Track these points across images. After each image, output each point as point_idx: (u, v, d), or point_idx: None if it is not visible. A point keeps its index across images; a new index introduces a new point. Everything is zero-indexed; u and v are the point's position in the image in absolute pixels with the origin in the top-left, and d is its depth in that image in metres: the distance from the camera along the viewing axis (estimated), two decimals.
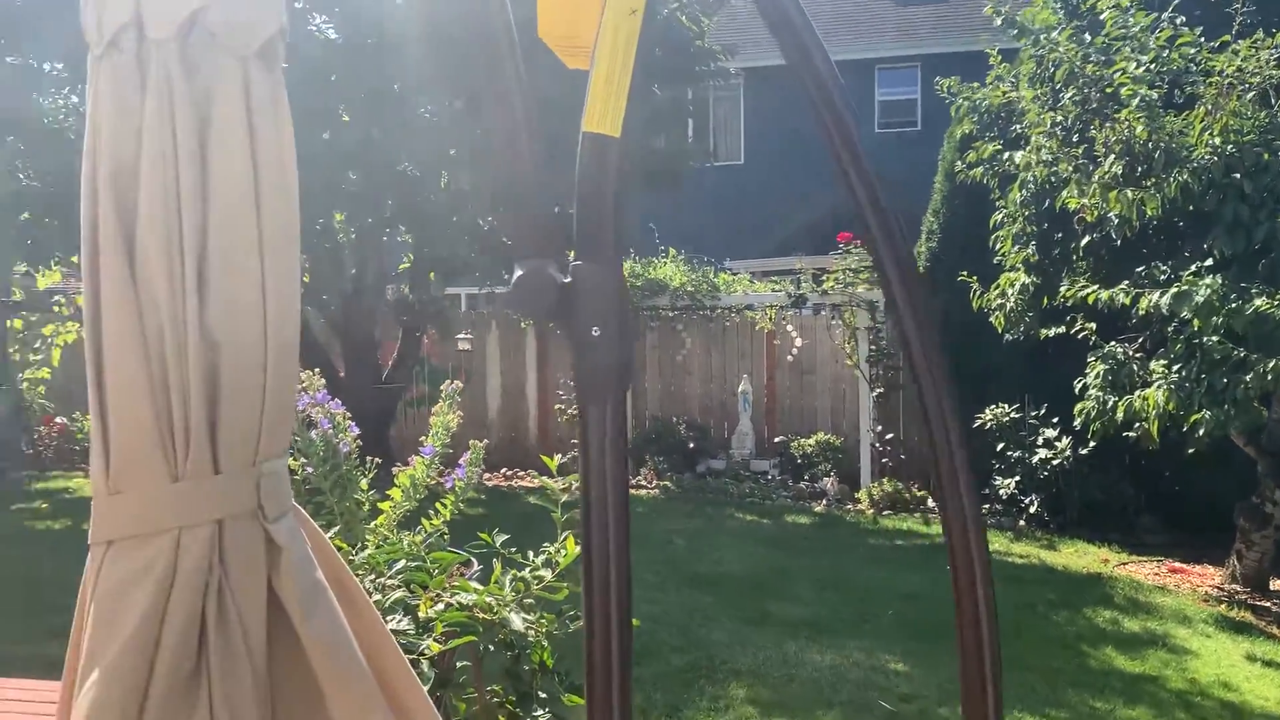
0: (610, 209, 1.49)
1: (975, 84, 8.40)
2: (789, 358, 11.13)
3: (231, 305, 1.53)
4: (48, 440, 12.12)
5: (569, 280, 1.52)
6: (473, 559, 3.17)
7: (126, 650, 1.42)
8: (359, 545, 2.95)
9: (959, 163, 8.63)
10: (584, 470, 1.50)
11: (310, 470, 3.36)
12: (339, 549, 2.32)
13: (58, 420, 12.38)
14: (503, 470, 11.45)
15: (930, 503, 9.85)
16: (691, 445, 11.11)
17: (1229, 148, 6.14)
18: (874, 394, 10.36)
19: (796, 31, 1.44)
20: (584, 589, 1.56)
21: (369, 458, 3.66)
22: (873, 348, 10.42)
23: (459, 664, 2.61)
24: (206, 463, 1.48)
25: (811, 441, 10.73)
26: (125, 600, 1.44)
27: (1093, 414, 6.75)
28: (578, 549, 2.76)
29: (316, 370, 3.56)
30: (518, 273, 1.52)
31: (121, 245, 1.44)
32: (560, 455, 3.41)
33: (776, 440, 11.13)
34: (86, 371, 1.50)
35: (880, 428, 10.38)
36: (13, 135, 9.81)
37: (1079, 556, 8.23)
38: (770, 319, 11.10)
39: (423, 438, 3.74)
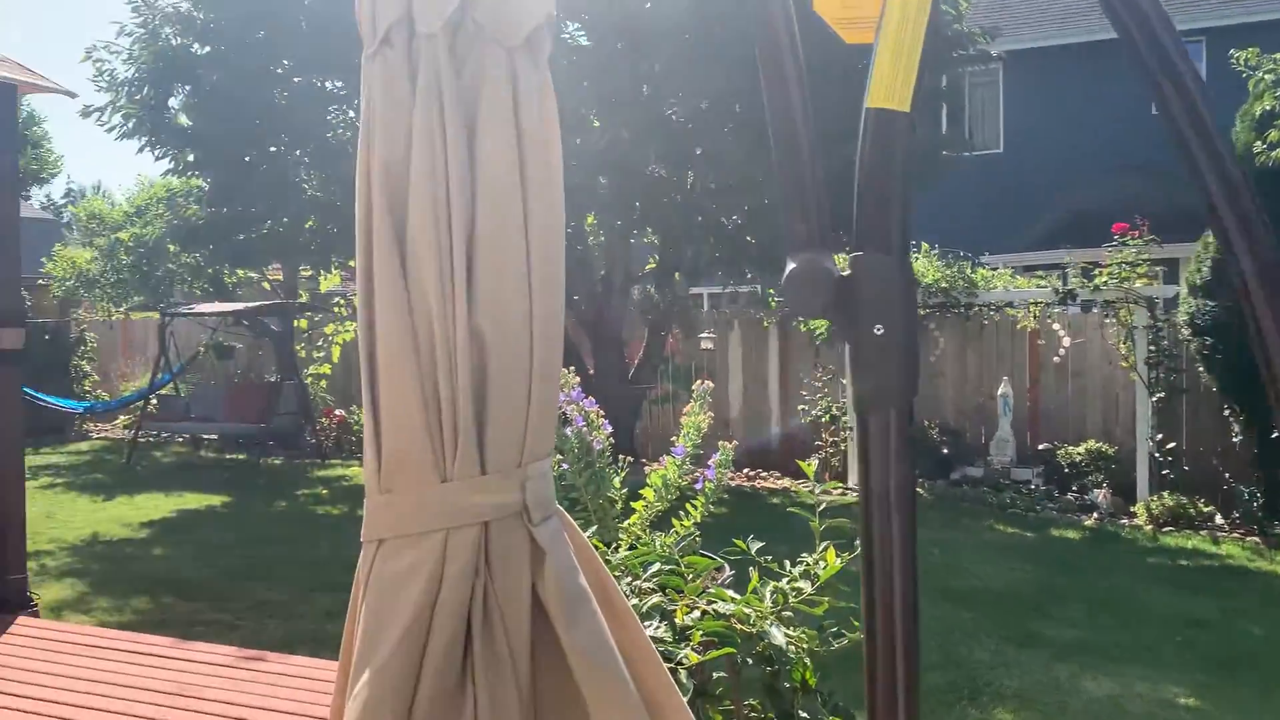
0: (897, 191, 1.34)
1: (1278, 55, 7.50)
2: (1055, 359, 10.39)
3: (498, 303, 1.50)
4: (328, 431, 13.17)
5: (848, 273, 1.38)
6: (725, 564, 3.09)
7: (396, 652, 1.42)
8: (613, 545, 2.93)
9: (1258, 143, 7.73)
10: (864, 485, 1.35)
11: (566, 467, 3.39)
12: (595, 548, 2.29)
13: (337, 412, 13.45)
14: (745, 470, 11.37)
15: (1219, 520, 8.90)
16: (945, 451, 10.60)
17: None
18: (1153, 399, 9.48)
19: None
20: (864, 611, 1.41)
21: (620, 455, 3.66)
22: (1152, 348, 9.54)
23: (714, 675, 2.52)
24: (474, 464, 1.46)
25: (1080, 450, 9.96)
26: (395, 602, 1.44)
27: None
28: (839, 562, 2.61)
29: (570, 368, 3.59)
30: (790, 266, 1.39)
31: (393, 243, 1.44)
32: (812, 458, 3.27)
33: (1040, 448, 10.41)
34: (360, 369, 1.52)
35: (1160, 436, 9.49)
36: (299, 149, 10.73)
37: None
38: (1034, 317, 10.40)
39: (673, 437, 3.69)
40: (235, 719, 3.51)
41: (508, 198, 1.52)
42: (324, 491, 10.42)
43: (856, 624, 2.63)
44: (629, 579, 2.56)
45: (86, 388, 15.16)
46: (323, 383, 13.85)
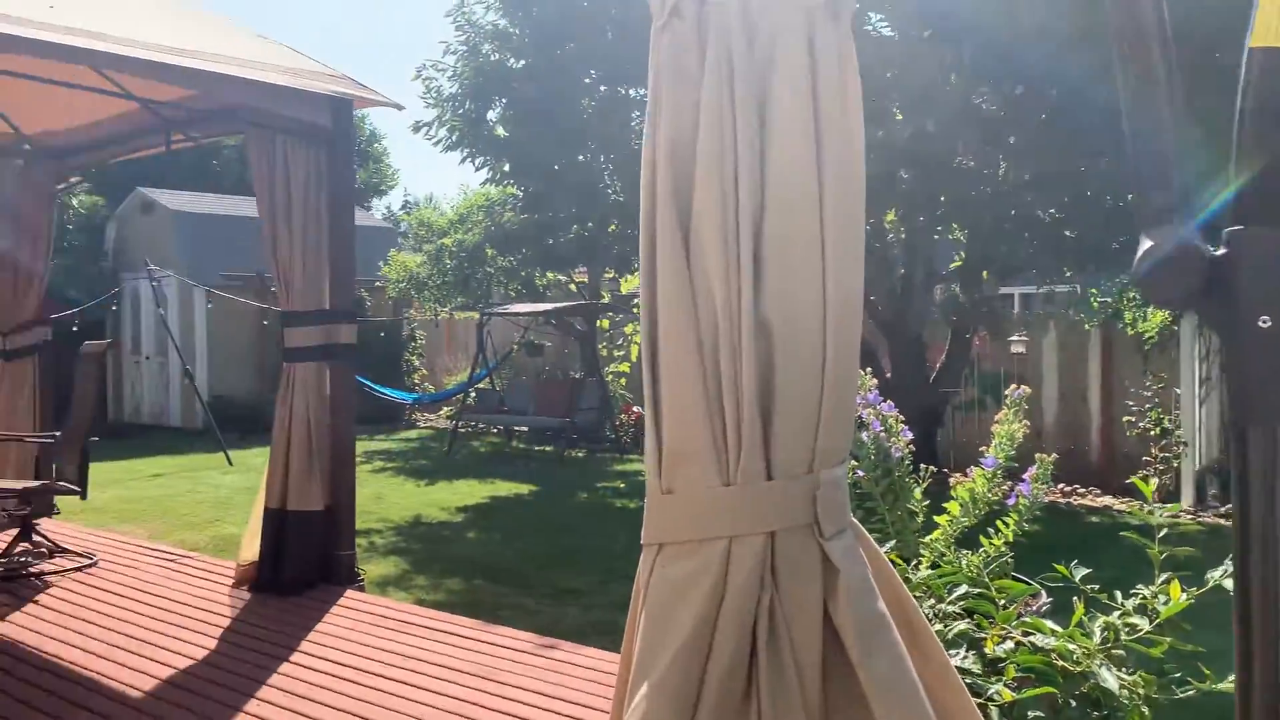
0: None
1: None
2: None
3: (788, 294, 1.36)
4: (626, 426, 13.59)
5: (1224, 252, 1.12)
6: (1041, 590, 2.78)
7: (675, 665, 1.31)
8: (913, 562, 2.71)
9: None
10: (1240, 512, 1.09)
11: (860, 474, 3.20)
12: (894, 565, 2.10)
13: (635, 409, 13.85)
14: (1060, 486, 10.52)
15: None
16: None
17: None
18: None
19: None
20: (1238, 661, 1.15)
21: (920, 464, 3.42)
22: None
23: (1029, 714, 2.25)
24: (759, 468, 1.34)
25: None
26: (674, 611, 1.34)
27: None
28: (1184, 598, 2.26)
29: (867, 370, 3.39)
30: (1145, 244, 1.15)
31: (677, 227, 1.34)
32: (1140, 474, 2.89)
33: None
34: (642, 355, 1.43)
35: None
36: (604, 156, 11.11)
37: None
38: None
39: (982, 447, 3.40)
40: (530, 705, 3.60)
41: (801, 178, 1.38)
42: (621, 485, 10.72)
43: (1207, 671, 2.26)
44: (931, 601, 2.35)
45: (415, 381, 16.62)
46: (622, 380, 14.32)
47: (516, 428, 13.87)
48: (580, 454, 12.88)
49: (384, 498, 9.61)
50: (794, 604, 1.33)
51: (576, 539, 7.92)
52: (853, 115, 1.45)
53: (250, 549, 5.20)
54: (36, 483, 5.80)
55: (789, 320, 1.32)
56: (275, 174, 4.98)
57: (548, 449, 13.15)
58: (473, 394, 13.97)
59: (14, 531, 5.68)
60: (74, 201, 16.36)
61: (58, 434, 5.86)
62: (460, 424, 13.57)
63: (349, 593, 5.07)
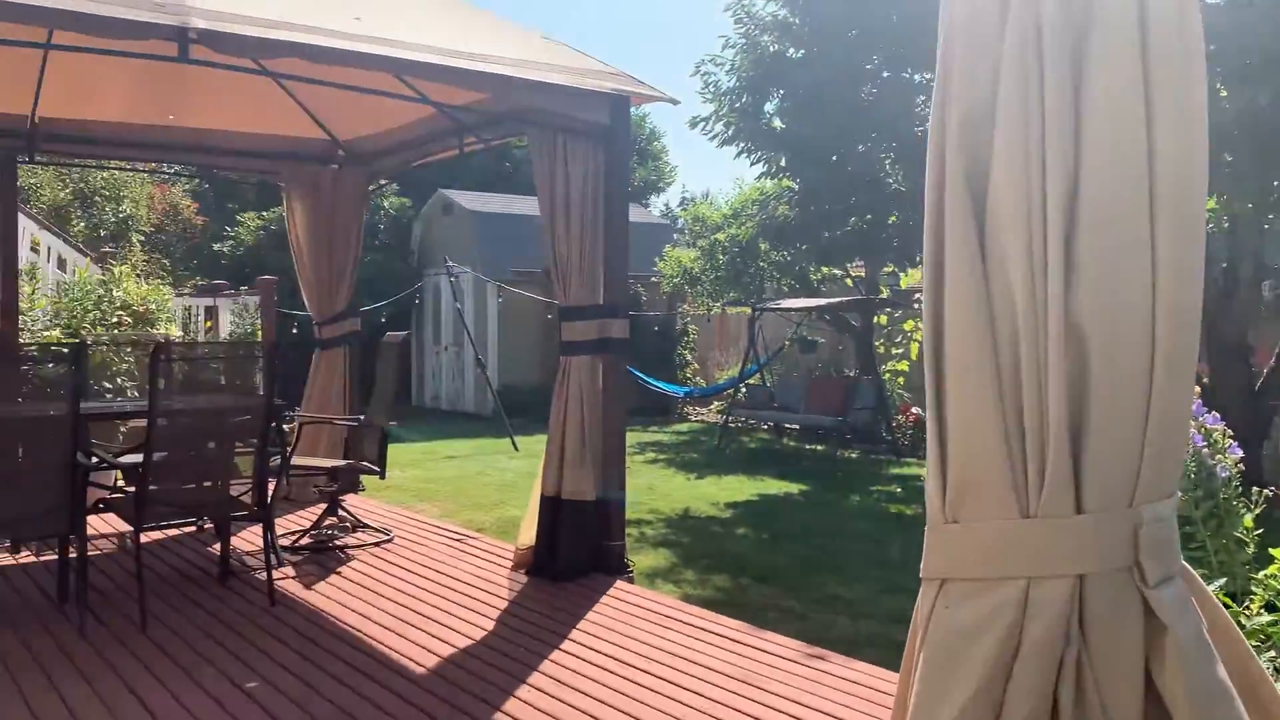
0: None
1: None
2: None
3: (1108, 294, 1.14)
4: (905, 428, 13.07)
5: None
6: None
7: None
8: (1244, 603, 2.33)
9: None
10: None
11: (1178, 495, 2.81)
12: (1224, 605, 1.78)
13: (913, 410, 13.29)
14: None
15: None
16: None
17: None
18: None
19: None
20: None
21: (1248, 485, 2.98)
22: None
23: None
24: (1066, 497, 1.13)
25: None
26: (959, 659, 1.16)
27: None
28: None
29: None
30: None
31: (970, 212, 1.16)
32: None
33: None
34: (925, 362, 1.26)
35: None
36: (885, 145, 10.71)
37: None
38: None
39: None
40: (790, 716, 3.46)
41: (1127, 156, 1.15)
42: (898, 490, 10.30)
43: None
44: (1271, 652, 1.99)
45: (687, 375, 16.85)
46: (900, 379, 13.80)
47: (787, 425, 13.69)
48: (854, 455, 12.53)
49: (655, 489, 9.75)
50: (1107, 664, 1.11)
51: (849, 544, 7.66)
52: (1194, 83, 1.20)
53: (528, 533, 5.38)
54: (343, 462, 6.31)
55: (1108, 325, 1.10)
56: (555, 172, 5.11)
57: (819, 448, 12.88)
58: (743, 389, 13.93)
59: (323, 506, 6.21)
60: (385, 203, 17.84)
61: (362, 417, 6.34)
62: (731, 419, 13.57)
63: (618, 583, 5.13)
